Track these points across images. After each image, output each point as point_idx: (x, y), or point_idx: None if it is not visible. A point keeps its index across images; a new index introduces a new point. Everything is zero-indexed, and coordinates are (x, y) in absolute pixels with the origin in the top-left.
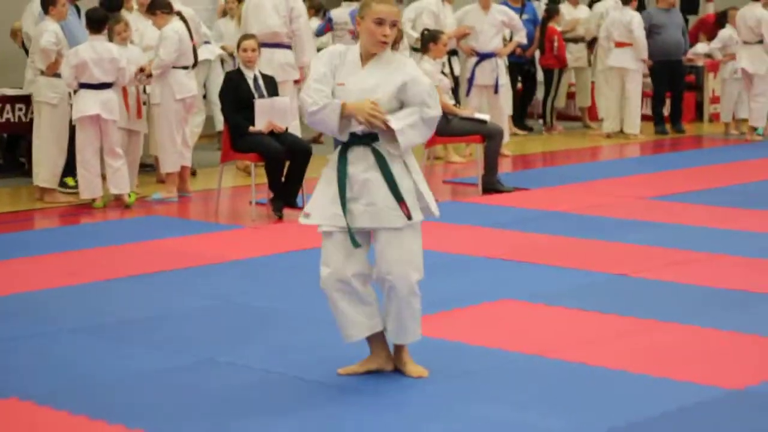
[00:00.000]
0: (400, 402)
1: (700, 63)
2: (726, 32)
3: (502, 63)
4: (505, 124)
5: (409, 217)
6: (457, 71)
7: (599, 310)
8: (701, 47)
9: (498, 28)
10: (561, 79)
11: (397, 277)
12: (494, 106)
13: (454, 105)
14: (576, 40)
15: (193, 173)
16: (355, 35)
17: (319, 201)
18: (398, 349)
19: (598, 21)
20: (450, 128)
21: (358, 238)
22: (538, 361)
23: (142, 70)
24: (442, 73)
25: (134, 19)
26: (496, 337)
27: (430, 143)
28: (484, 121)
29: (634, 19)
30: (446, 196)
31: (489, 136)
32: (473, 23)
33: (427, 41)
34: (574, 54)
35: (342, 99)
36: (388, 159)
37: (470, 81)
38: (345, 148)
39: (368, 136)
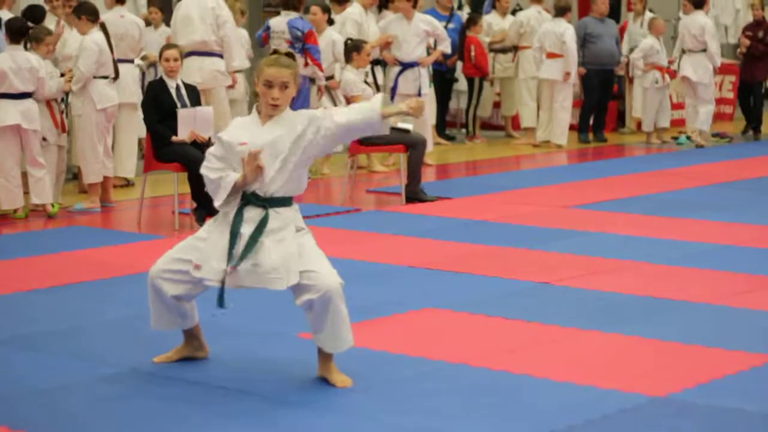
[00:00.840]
0: (325, 409)
1: (621, 72)
2: (647, 42)
3: (425, 72)
4: (429, 134)
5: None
6: (380, 80)
7: (523, 318)
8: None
9: (421, 38)
10: (482, 88)
11: (324, 287)
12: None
13: None
14: (505, 51)
15: (128, 183)
16: (292, 44)
17: (210, 255)
18: (325, 358)
19: (518, 29)
20: (373, 137)
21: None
22: (462, 369)
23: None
24: (365, 82)
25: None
26: (420, 345)
27: (353, 152)
28: (407, 131)
29: (568, 31)
30: (370, 205)
31: (412, 146)
32: (396, 32)
33: (351, 51)
34: (503, 64)
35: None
36: (277, 224)
37: (393, 90)
38: (242, 206)
39: (269, 199)
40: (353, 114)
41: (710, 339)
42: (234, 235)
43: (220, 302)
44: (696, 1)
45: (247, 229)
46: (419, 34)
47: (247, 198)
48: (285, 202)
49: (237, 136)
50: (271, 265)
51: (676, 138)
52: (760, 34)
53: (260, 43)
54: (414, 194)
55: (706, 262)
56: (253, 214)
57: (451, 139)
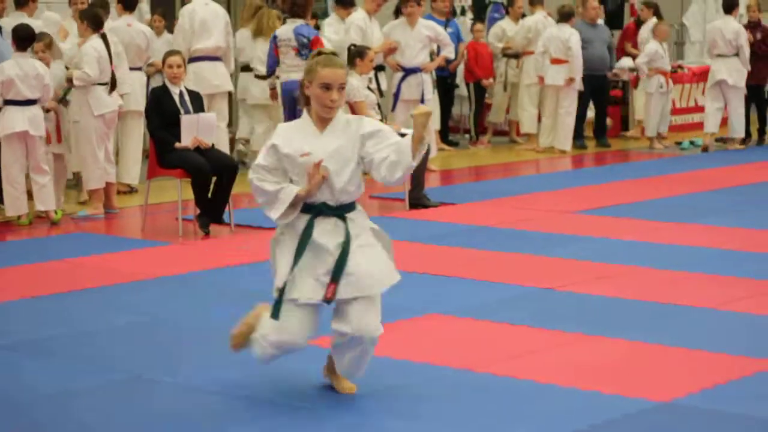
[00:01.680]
0: (329, 415)
1: (625, 77)
2: (652, 46)
3: (428, 78)
4: (432, 139)
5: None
6: (383, 86)
7: (527, 324)
8: (626, 61)
9: (424, 43)
10: (485, 93)
11: (367, 335)
12: None
13: (381, 120)
14: (517, 56)
15: (131, 190)
16: (299, 52)
17: (296, 276)
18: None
19: (526, 35)
20: None
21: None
22: (466, 375)
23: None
24: (369, 88)
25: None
26: (424, 351)
27: None
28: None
29: (573, 36)
30: (373, 211)
31: None
32: (399, 38)
33: (354, 56)
34: (515, 69)
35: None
36: (357, 231)
37: (396, 96)
38: (313, 217)
39: (341, 207)
40: (393, 156)
41: (715, 344)
42: (320, 249)
43: (275, 314)
44: (726, 6)
45: (326, 241)
46: (422, 40)
47: (318, 209)
48: (353, 206)
49: (296, 146)
50: (366, 272)
51: (679, 143)
52: (758, 35)
53: (272, 60)
54: (417, 200)
55: (711, 267)
56: (328, 226)
57: (454, 144)
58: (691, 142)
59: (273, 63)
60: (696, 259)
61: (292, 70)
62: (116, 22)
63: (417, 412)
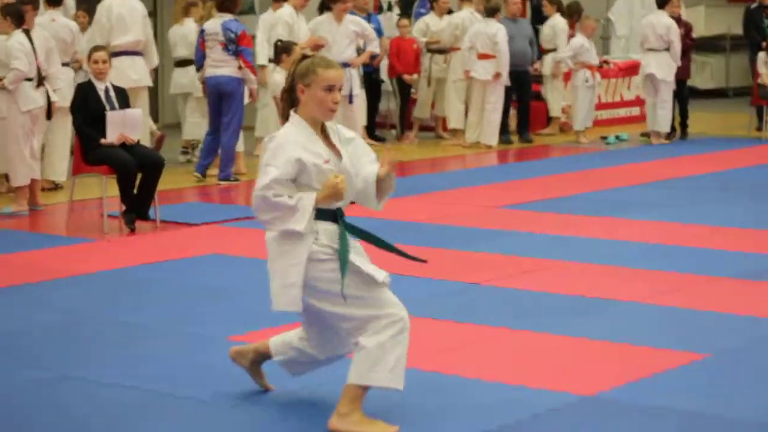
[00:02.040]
0: (253, 410)
1: (546, 71)
2: (577, 40)
3: (356, 73)
4: (360, 135)
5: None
6: None
7: (453, 319)
8: (550, 57)
9: (351, 39)
10: (411, 89)
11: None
12: (348, 117)
13: None
14: (442, 51)
15: (56, 186)
16: (226, 47)
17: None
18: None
19: (454, 31)
20: None
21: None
22: None
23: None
24: None
25: None
26: None
27: None
28: None
29: (500, 32)
30: None
31: None
32: (326, 34)
33: (281, 52)
34: (439, 65)
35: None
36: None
37: None
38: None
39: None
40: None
41: (639, 338)
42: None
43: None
44: (659, 0)
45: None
46: (349, 35)
47: (338, 214)
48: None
49: (315, 155)
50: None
51: (605, 138)
52: (681, 30)
53: (199, 54)
54: None
55: (635, 261)
56: (331, 229)
57: (381, 140)
58: (617, 137)
59: (201, 57)
60: (621, 254)
61: (218, 65)
62: (41, 18)
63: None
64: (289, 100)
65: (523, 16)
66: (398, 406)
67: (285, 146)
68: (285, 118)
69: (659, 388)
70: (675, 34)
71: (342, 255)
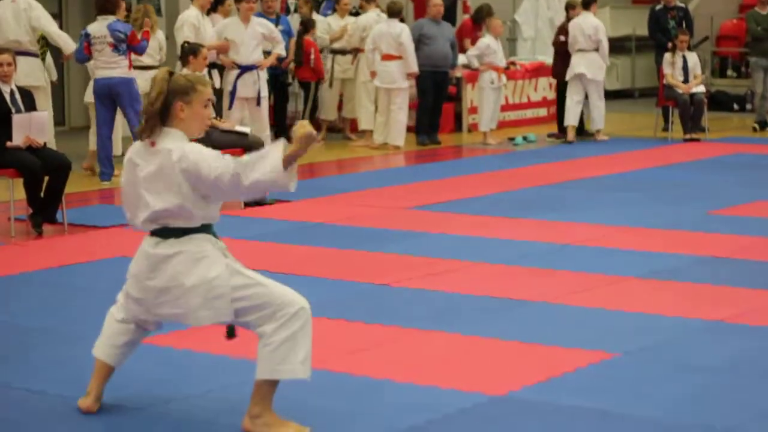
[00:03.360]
0: (160, 415)
1: (458, 74)
2: (484, 41)
3: (263, 75)
4: (268, 138)
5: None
6: (217, 84)
7: (363, 321)
8: (461, 58)
9: (258, 41)
10: (317, 91)
11: None
12: (257, 119)
13: (215, 118)
14: (344, 52)
15: None
16: (115, 48)
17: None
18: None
19: (360, 33)
20: (211, 141)
21: None
22: None
23: None
24: None
25: None
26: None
27: None
28: (245, 134)
29: (404, 31)
30: None
31: (250, 149)
32: (233, 36)
33: (187, 54)
34: (342, 65)
35: None
36: None
37: (232, 94)
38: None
39: None
40: (258, 173)
41: (549, 337)
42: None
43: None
44: (585, 2)
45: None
46: (256, 37)
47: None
48: None
49: None
50: None
51: (512, 139)
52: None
53: (81, 56)
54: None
55: (543, 261)
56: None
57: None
58: (524, 138)
59: (83, 59)
60: (530, 254)
61: (109, 66)
62: None
63: (245, 411)
64: (159, 118)
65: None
66: (308, 408)
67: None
68: (149, 133)
69: (570, 387)
70: (603, 34)
71: None
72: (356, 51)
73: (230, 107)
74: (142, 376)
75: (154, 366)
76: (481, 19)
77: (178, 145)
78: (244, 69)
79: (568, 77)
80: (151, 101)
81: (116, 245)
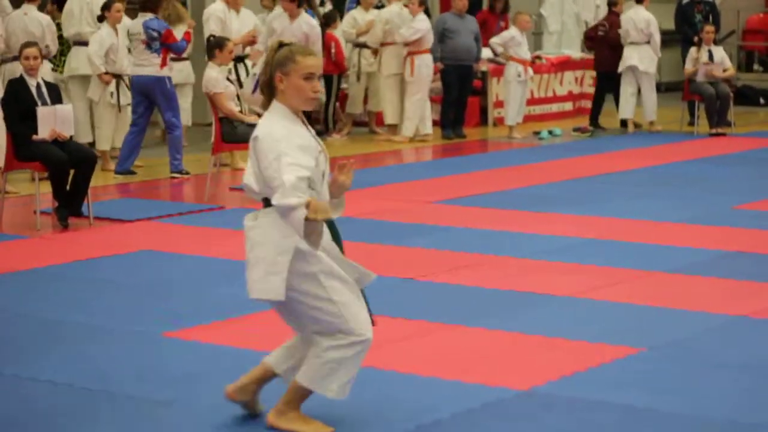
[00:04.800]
0: (186, 409)
1: (483, 67)
2: (509, 32)
3: None
4: None
5: None
6: (243, 78)
7: (388, 314)
8: (485, 52)
9: (298, 38)
10: (340, 84)
11: None
12: None
13: (240, 112)
14: (369, 46)
15: None
16: (148, 45)
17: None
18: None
19: (384, 27)
20: (236, 135)
21: None
22: None
23: None
24: (228, 79)
25: None
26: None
27: (217, 150)
28: None
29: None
30: (234, 203)
31: None
32: (278, 28)
33: (213, 48)
34: (368, 59)
35: (325, 169)
36: None
37: (256, 85)
38: None
39: None
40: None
41: (574, 332)
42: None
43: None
44: None
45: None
46: (297, 34)
47: None
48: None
49: (308, 139)
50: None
51: (538, 133)
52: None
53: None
54: None
55: (569, 255)
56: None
57: (319, 134)
58: (550, 132)
59: None
60: (555, 248)
61: (141, 63)
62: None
63: (273, 404)
64: (268, 91)
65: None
66: (333, 402)
67: (285, 135)
68: (265, 105)
69: (595, 382)
70: (655, 27)
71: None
72: (381, 45)
73: (254, 91)
74: (169, 370)
75: (181, 360)
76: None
77: (264, 124)
78: None
79: (620, 69)
80: (263, 73)
81: (141, 239)
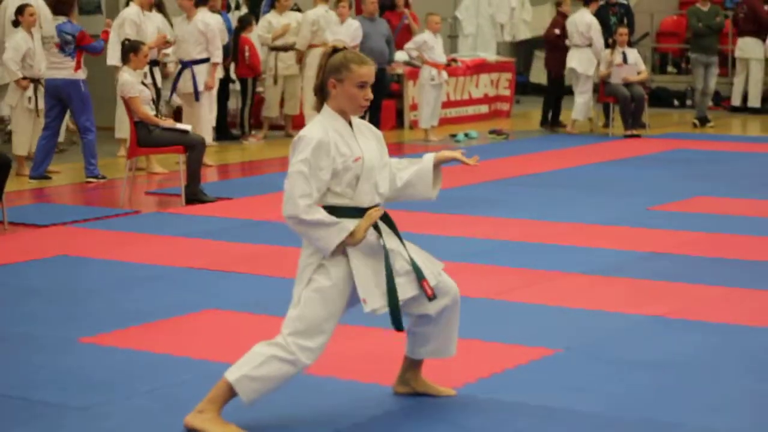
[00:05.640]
0: (107, 414)
1: (399, 70)
2: (422, 36)
3: (202, 70)
4: (209, 135)
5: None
6: (158, 82)
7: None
8: (400, 54)
9: (195, 38)
10: (255, 87)
11: (454, 289)
12: (196, 114)
13: (156, 116)
14: (286, 49)
15: None
16: (61, 49)
17: (368, 284)
18: (417, 371)
19: (311, 28)
20: (152, 139)
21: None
22: None
23: None
24: (143, 83)
25: None
26: (203, 348)
27: (132, 155)
28: (186, 131)
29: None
30: (150, 207)
31: (191, 147)
32: (178, 32)
33: (128, 51)
34: (285, 62)
35: (360, 173)
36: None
37: (173, 87)
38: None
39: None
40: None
41: (490, 333)
42: (386, 252)
43: (398, 324)
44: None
45: (388, 242)
46: (195, 34)
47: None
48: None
49: (345, 152)
50: (422, 264)
51: (454, 135)
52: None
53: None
54: (194, 195)
55: (484, 257)
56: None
57: (234, 138)
58: (466, 135)
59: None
60: (470, 251)
61: (55, 67)
62: None
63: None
64: (320, 94)
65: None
66: (255, 406)
67: (317, 151)
68: (318, 108)
69: (511, 383)
70: (596, 31)
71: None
72: (309, 47)
73: (169, 98)
74: (85, 375)
75: (98, 365)
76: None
77: (308, 128)
78: (185, 65)
79: (565, 71)
80: (315, 76)
81: (57, 244)
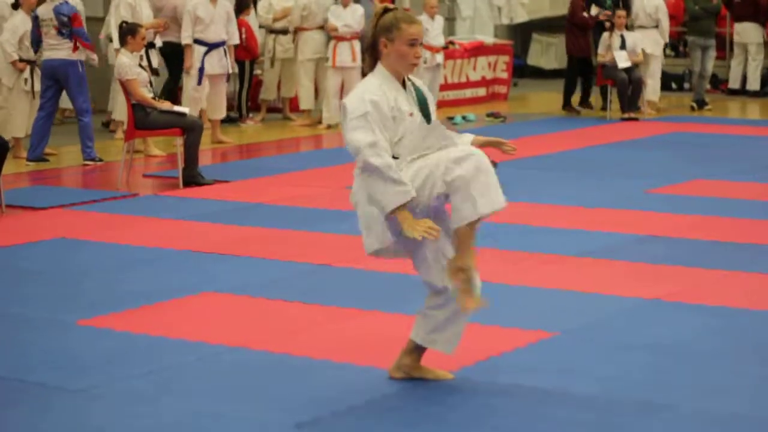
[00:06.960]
0: (104, 395)
1: None
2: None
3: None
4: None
5: None
6: (155, 64)
7: (302, 301)
8: None
9: (224, 20)
10: (252, 70)
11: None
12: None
13: (153, 98)
14: (285, 32)
15: None
16: (59, 30)
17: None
18: (422, 355)
19: (302, 12)
20: (149, 121)
21: None
22: (242, 352)
23: None
24: (140, 66)
25: None
26: (200, 330)
27: (130, 137)
28: (183, 114)
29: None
30: (147, 189)
31: (189, 129)
32: (202, 14)
33: (125, 34)
34: (284, 45)
35: (410, 130)
36: None
37: (201, 71)
38: None
39: None
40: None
41: (487, 317)
42: None
43: None
44: None
45: None
46: (224, 15)
47: None
48: None
49: (401, 104)
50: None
51: (451, 118)
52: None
53: (36, 39)
54: (191, 178)
55: (482, 240)
56: None
57: (232, 121)
58: (463, 117)
59: (36, 41)
60: None
61: (54, 47)
62: None
63: (193, 390)
64: (372, 54)
65: None
66: (248, 389)
67: (367, 92)
68: (370, 70)
69: (509, 366)
70: (663, 12)
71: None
72: (297, 30)
73: (199, 83)
74: (82, 358)
75: (95, 347)
76: None
77: (359, 87)
78: (212, 46)
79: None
80: (367, 36)
81: (54, 227)
